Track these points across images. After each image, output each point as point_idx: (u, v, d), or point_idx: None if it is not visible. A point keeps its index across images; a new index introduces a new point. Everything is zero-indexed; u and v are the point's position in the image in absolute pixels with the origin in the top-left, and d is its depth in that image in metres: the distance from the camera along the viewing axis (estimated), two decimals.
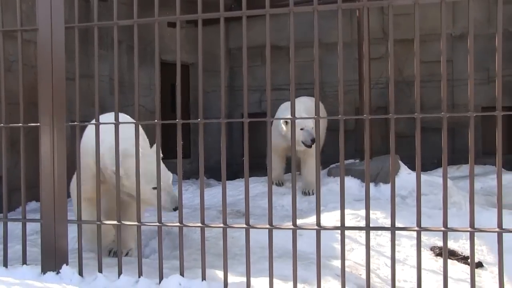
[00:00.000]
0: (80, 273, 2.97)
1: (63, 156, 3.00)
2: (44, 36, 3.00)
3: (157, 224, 2.90)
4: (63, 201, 3.00)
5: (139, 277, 2.87)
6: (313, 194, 5.94)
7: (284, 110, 6.55)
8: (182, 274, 2.84)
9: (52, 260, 3.00)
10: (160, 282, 2.83)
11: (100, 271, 2.95)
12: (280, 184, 6.66)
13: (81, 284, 2.86)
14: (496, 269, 3.98)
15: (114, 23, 2.97)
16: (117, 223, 2.95)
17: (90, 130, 3.36)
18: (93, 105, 3.08)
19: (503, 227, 2.55)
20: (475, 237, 2.59)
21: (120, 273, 2.91)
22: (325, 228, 2.87)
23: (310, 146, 5.81)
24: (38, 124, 3.00)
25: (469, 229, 2.55)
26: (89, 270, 3.03)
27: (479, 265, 3.98)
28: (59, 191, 2.98)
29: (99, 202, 3.02)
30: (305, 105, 6.55)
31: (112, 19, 2.99)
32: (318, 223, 2.73)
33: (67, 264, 3.00)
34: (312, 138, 5.67)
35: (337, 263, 3.62)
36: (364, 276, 3.35)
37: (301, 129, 5.90)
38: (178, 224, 2.88)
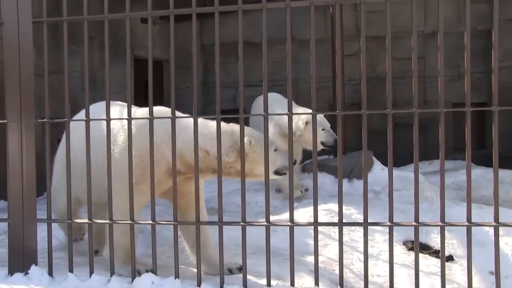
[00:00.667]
0: (50, 273, 2.91)
1: (32, 154, 2.93)
2: (10, 31, 2.92)
3: (129, 222, 2.85)
4: (32, 199, 2.93)
5: (111, 276, 2.82)
6: (307, 190, 5.91)
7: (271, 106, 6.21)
8: (155, 272, 2.81)
9: (20, 260, 2.92)
10: (132, 281, 2.79)
11: (70, 270, 2.89)
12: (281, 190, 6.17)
13: (50, 285, 2.80)
14: (465, 262, 4.06)
15: (84, 18, 2.91)
16: (88, 221, 2.89)
17: (160, 123, 3.02)
18: (64, 101, 3.02)
19: (472, 221, 2.58)
20: (446, 231, 2.62)
21: (91, 272, 2.86)
22: (298, 224, 2.87)
23: (330, 148, 5.74)
24: (5, 121, 2.92)
25: (439, 223, 2.58)
26: (59, 270, 2.96)
27: (450, 258, 4.05)
28: (27, 189, 2.91)
29: (176, 199, 2.84)
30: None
31: (81, 14, 2.93)
32: (292, 219, 2.73)
33: (36, 265, 2.93)
34: (335, 139, 5.56)
35: (311, 259, 3.63)
36: (337, 271, 3.36)
37: (322, 129, 5.68)
38: (150, 222, 2.85)
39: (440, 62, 2.57)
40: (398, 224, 2.69)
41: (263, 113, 2.77)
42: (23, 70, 2.91)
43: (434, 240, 4.41)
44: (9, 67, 2.92)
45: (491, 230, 4.47)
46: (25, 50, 2.91)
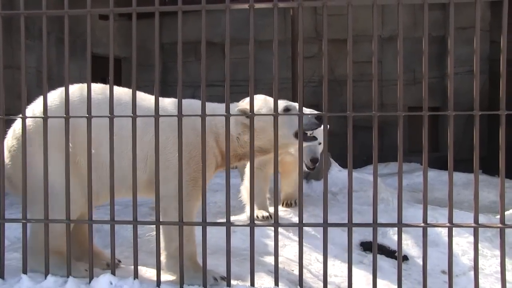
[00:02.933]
0: (1, 276, 2.82)
1: None
2: None
3: (88, 221, 2.81)
4: None
5: (67, 277, 2.77)
6: (295, 204, 5.36)
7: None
8: (113, 272, 2.77)
9: None
10: (90, 282, 2.74)
11: (24, 272, 2.81)
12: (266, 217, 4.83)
13: (1, 287, 2.72)
14: (419, 262, 4.19)
15: (43, 13, 2.84)
16: (45, 220, 2.82)
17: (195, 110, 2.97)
18: (18, 97, 2.94)
19: (428, 222, 2.68)
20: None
21: (46, 273, 2.79)
22: (259, 225, 2.90)
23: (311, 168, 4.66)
24: None
25: (397, 224, 2.66)
26: (12, 272, 2.88)
27: (405, 258, 4.18)
28: None
29: (203, 191, 2.76)
30: None
31: (38, 8, 2.86)
32: (252, 219, 2.75)
33: None
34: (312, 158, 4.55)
35: (269, 259, 3.67)
36: (296, 271, 3.41)
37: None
38: (109, 221, 2.81)
39: (400, 66, 2.65)
40: (357, 225, 2.76)
41: (225, 114, 2.77)
42: None
43: (389, 241, 4.53)
44: None
45: (444, 231, 4.64)
46: None
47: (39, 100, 3.01)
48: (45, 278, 2.76)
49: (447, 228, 2.67)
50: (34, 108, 3.03)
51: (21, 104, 2.90)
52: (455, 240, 4.31)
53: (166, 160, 2.94)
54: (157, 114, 2.79)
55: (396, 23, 2.68)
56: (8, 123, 3.05)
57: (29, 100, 3.04)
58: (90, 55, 2.88)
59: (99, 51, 8.23)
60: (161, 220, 2.87)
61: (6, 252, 2.91)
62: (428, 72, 2.67)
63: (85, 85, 2.91)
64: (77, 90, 3.03)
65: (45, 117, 2.81)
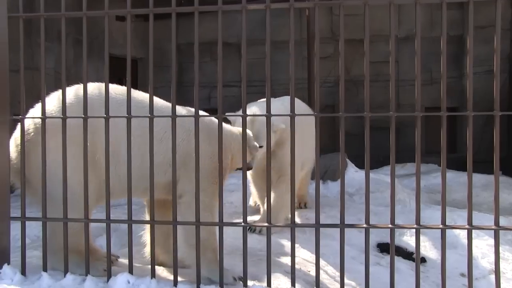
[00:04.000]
0: (23, 273, 2.86)
1: (5, 151, 2.87)
2: None
3: (106, 220, 2.84)
4: (4, 197, 2.88)
5: (86, 275, 2.80)
6: (305, 207, 5.43)
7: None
8: (131, 272, 2.80)
9: None
10: (108, 281, 2.77)
11: (44, 270, 2.85)
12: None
13: (23, 284, 2.75)
14: (437, 264, 4.15)
15: (62, 15, 2.88)
16: (64, 219, 2.86)
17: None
18: (37, 98, 2.98)
19: (446, 224, 2.66)
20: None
21: (66, 271, 2.83)
22: (276, 226, 2.90)
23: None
24: None
25: (415, 226, 2.64)
26: (33, 269, 2.92)
27: (422, 260, 4.14)
28: (0, 186, 2.86)
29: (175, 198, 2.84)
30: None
31: (57, 10, 2.90)
32: (269, 220, 2.75)
33: (8, 264, 2.88)
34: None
35: (285, 260, 3.67)
36: (312, 272, 3.40)
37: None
38: (126, 220, 2.83)
39: (418, 67, 2.63)
40: (374, 226, 2.74)
41: (241, 114, 2.78)
42: None
43: (406, 242, 4.49)
44: None
45: (462, 233, 4.59)
46: (0, 45, 2.86)
47: (49, 100, 3.03)
48: (64, 276, 2.80)
49: (466, 230, 2.64)
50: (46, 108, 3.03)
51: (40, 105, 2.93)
52: (474, 242, 4.27)
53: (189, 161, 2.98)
54: (174, 114, 2.80)
55: (413, 22, 2.66)
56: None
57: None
58: (108, 55, 2.90)
59: (115, 52, 8.29)
60: (183, 212, 2.92)
61: (26, 250, 2.95)
62: (446, 72, 2.65)
63: (103, 84, 2.94)
64: (96, 89, 3.07)
65: (64, 117, 2.84)
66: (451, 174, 7.66)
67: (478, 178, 7.58)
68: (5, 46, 2.88)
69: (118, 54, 8.06)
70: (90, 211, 2.94)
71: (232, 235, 4.11)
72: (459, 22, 10.20)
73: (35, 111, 3.05)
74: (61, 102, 2.89)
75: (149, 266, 2.85)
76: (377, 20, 8.78)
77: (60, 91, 3.00)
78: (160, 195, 3.10)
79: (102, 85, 2.99)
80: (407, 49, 10.20)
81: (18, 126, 3.01)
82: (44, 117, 2.88)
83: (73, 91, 3.06)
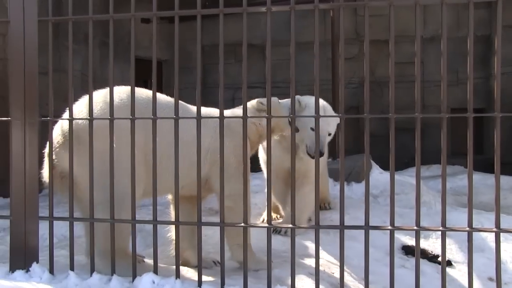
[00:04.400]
0: (51, 271, 2.92)
1: (35, 152, 2.93)
2: (16, 29, 2.93)
3: (131, 221, 2.87)
4: (34, 197, 2.94)
5: (111, 275, 2.83)
6: (329, 207, 5.39)
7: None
8: (155, 272, 2.82)
9: (22, 258, 2.93)
10: (133, 281, 2.80)
11: (71, 269, 2.90)
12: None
13: (51, 282, 2.81)
14: (464, 267, 4.09)
15: (89, 18, 2.93)
16: (89, 219, 2.90)
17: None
18: (65, 100, 3.03)
19: (473, 227, 2.61)
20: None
21: (92, 271, 2.87)
22: (300, 227, 2.89)
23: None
24: (9, 118, 2.93)
25: (441, 228, 2.60)
26: (60, 268, 2.97)
27: (449, 263, 4.08)
28: (30, 187, 2.92)
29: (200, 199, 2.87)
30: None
31: (84, 13, 2.95)
32: (293, 221, 2.75)
33: (37, 262, 2.94)
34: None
35: (310, 261, 3.66)
36: (336, 274, 3.39)
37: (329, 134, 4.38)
38: (151, 221, 2.86)
39: (443, 67, 2.59)
40: (399, 228, 2.71)
41: (267, 116, 2.78)
42: (27, 68, 2.92)
43: (432, 245, 4.44)
44: (14, 65, 2.93)
45: (489, 236, 4.51)
46: (30, 48, 2.92)
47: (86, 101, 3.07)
48: (91, 276, 2.84)
49: (494, 233, 2.59)
50: (83, 110, 3.08)
51: (66, 106, 2.98)
52: (502, 246, 4.17)
53: (225, 163, 3.01)
54: (199, 116, 2.82)
55: (439, 22, 2.63)
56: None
57: (75, 102, 3.13)
58: (134, 57, 2.93)
59: (140, 53, 8.38)
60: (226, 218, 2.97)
61: (54, 249, 3.00)
62: (473, 72, 2.61)
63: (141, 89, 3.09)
64: (144, 93, 3.20)
65: (91, 118, 2.89)
66: (478, 176, 7.53)
67: (506, 180, 7.43)
68: (35, 49, 2.94)
69: (144, 56, 8.15)
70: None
71: (257, 236, 4.12)
72: (487, 22, 10.03)
73: (77, 111, 3.08)
74: (105, 104, 2.96)
75: (174, 267, 2.88)
76: (402, 21, 8.70)
77: (103, 92, 3.11)
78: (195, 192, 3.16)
79: (145, 90, 3.20)
80: (433, 49, 10.07)
81: (56, 127, 3.08)
82: (72, 118, 2.93)
83: (119, 93, 3.11)
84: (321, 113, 4.01)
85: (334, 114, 4.18)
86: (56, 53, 7.19)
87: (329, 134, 4.36)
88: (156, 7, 2.87)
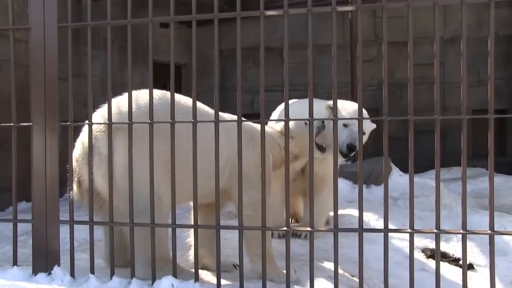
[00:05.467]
0: (72, 274, 2.95)
1: (56, 156, 2.98)
2: (36, 35, 2.98)
3: (150, 225, 2.89)
4: (55, 201, 2.98)
5: (131, 278, 2.86)
6: (304, 238, 4.46)
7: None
8: (174, 275, 2.84)
9: (44, 261, 2.98)
10: (152, 284, 2.82)
11: (92, 272, 2.93)
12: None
13: (72, 285, 2.84)
14: (486, 271, 4.03)
15: (107, 23, 2.96)
16: (110, 223, 2.93)
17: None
18: (85, 105, 3.08)
19: (495, 230, 2.57)
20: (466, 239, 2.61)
21: (112, 274, 2.90)
22: (318, 230, 2.89)
23: (346, 156, 4.04)
24: (30, 123, 2.99)
25: (461, 231, 2.57)
26: (81, 271, 3.01)
27: (470, 267, 4.03)
28: (51, 191, 2.96)
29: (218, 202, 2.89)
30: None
31: (103, 19, 2.99)
32: (311, 224, 2.74)
33: (58, 265, 2.98)
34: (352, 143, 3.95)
35: (329, 265, 3.64)
36: (356, 278, 3.37)
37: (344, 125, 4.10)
38: (170, 225, 2.88)
39: (463, 68, 2.57)
40: (419, 231, 2.69)
41: (284, 119, 2.78)
42: (48, 74, 2.97)
43: (453, 248, 4.39)
44: (35, 71, 2.98)
45: None
46: (50, 54, 2.97)
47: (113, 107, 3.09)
48: (111, 279, 2.87)
49: None
50: (105, 115, 3.09)
51: (86, 111, 3.02)
52: None
53: (245, 171, 3.01)
54: (217, 120, 2.84)
55: (459, 23, 2.60)
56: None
57: (95, 107, 3.17)
58: (152, 62, 2.96)
59: (159, 58, 8.45)
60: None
61: (75, 252, 3.04)
62: (495, 73, 2.57)
63: (167, 92, 3.09)
64: (161, 96, 3.16)
65: (110, 123, 2.92)
66: (499, 179, 7.42)
67: None
68: (55, 54, 2.99)
69: (162, 60, 8.19)
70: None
71: (275, 240, 4.12)
72: (509, 21, 9.89)
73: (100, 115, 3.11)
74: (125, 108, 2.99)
75: (193, 270, 2.89)
76: (421, 22, 8.63)
77: (123, 97, 3.13)
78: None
79: (166, 93, 3.16)
80: (453, 50, 9.97)
81: (77, 144, 3.12)
82: (91, 123, 2.97)
83: (144, 98, 3.12)
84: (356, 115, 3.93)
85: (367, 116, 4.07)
86: (75, 59, 7.29)
87: (364, 134, 4.23)
88: (174, 11, 2.89)
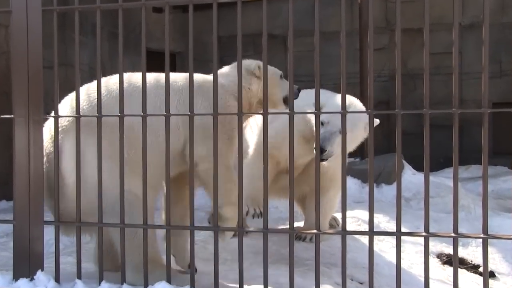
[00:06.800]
0: (57, 280, 2.95)
1: (40, 151, 2.97)
2: (18, 20, 2.96)
3: (142, 226, 2.89)
4: (39, 200, 2.97)
5: (122, 284, 2.86)
6: (310, 241, 4.37)
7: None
8: (169, 281, 2.84)
9: (26, 265, 2.97)
10: None
11: (79, 277, 2.93)
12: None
13: None
14: (509, 280, 4.03)
15: (97, 7, 2.95)
16: (99, 224, 2.93)
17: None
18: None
19: None
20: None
21: (101, 279, 2.89)
22: (325, 233, 2.88)
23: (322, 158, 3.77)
24: (12, 116, 2.97)
25: (482, 235, 2.55)
26: (67, 276, 3.00)
27: (491, 274, 4.03)
28: (34, 189, 2.95)
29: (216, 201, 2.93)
30: None
31: (91, 2, 2.97)
32: (317, 226, 2.73)
33: (42, 270, 2.97)
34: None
35: (336, 270, 3.64)
36: (365, 285, 3.37)
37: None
38: (165, 226, 2.88)
39: (485, 58, 2.55)
40: (434, 235, 2.68)
41: (289, 111, 2.77)
42: (31, 61, 2.95)
43: (471, 254, 4.39)
44: (17, 59, 2.96)
45: None
46: (34, 40, 2.95)
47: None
48: (99, 284, 2.87)
49: None
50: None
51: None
52: None
53: (200, 122, 3.07)
54: (215, 112, 2.83)
55: (480, 7, 2.59)
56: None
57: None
58: (145, 49, 2.94)
59: (152, 45, 8.44)
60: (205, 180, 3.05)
61: (60, 256, 3.04)
62: None
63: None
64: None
65: (99, 116, 2.91)
66: None
67: None
68: (39, 41, 2.97)
69: (156, 48, 8.20)
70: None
71: (278, 243, 4.12)
72: None
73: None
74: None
75: (188, 275, 2.89)
76: (438, 7, 8.61)
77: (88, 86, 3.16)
78: (178, 166, 3.22)
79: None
80: (473, 38, 9.94)
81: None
82: (79, 115, 2.96)
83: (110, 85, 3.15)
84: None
85: (360, 111, 4.00)
86: (61, 46, 7.28)
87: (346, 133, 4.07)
88: None
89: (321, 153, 3.68)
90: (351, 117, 3.70)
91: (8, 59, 3.02)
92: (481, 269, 2.87)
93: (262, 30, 2.76)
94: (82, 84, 3.10)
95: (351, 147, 4.00)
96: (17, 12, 2.97)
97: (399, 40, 2.68)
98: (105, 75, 3.20)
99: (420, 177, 6.24)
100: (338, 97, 3.67)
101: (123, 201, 2.89)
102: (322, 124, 3.83)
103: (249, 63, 3.58)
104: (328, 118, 3.84)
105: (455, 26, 2.63)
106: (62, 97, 3.10)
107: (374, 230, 2.69)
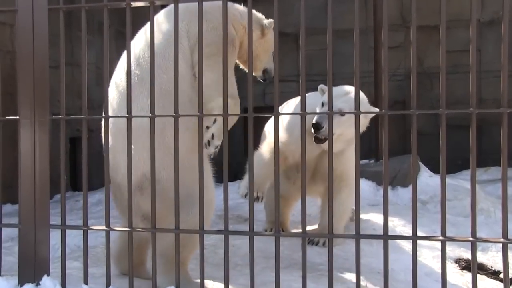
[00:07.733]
0: (63, 285, 2.96)
1: (46, 153, 2.98)
2: (24, 19, 2.97)
3: (151, 230, 2.89)
4: (45, 203, 2.98)
5: None
6: (323, 245, 4.30)
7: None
8: (177, 286, 2.84)
9: (31, 270, 2.98)
10: None
11: (85, 282, 2.93)
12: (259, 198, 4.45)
13: None
14: None
15: (104, 5, 2.96)
16: (106, 228, 2.94)
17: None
18: (78, 96, 3.08)
19: None
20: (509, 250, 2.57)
21: (108, 285, 2.90)
22: (338, 236, 2.87)
23: (318, 139, 4.04)
24: (17, 117, 2.99)
25: (501, 239, 2.53)
26: (73, 281, 3.02)
27: None
28: (40, 192, 2.96)
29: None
30: None
31: (98, 0, 2.98)
32: (331, 230, 2.72)
33: (48, 275, 2.97)
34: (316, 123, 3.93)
35: (349, 275, 3.63)
36: None
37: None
38: (173, 229, 2.88)
39: (504, 55, 2.53)
40: (452, 239, 2.66)
41: (300, 112, 2.77)
42: (37, 61, 2.96)
43: (491, 259, 4.36)
44: (22, 58, 2.97)
45: None
46: (40, 40, 2.96)
47: None
48: None
49: None
50: None
51: (81, 103, 3.03)
52: None
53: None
54: (225, 113, 2.83)
55: (499, 3, 2.57)
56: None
57: (89, 99, 3.17)
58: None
59: None
60: None
61: (66, 260, 3.05)
62: None
63: None
64: None
65: (106, 116, 2.93)
66: None
67: None
68: (45, 40, 2.98)
69: None
70: None
71: (290, 247, 4.11)
72: None
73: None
74: None
75: (198, 280, 2.89)
76: (455, 3, 8.54)
77: None
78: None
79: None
80: (492, 35, 9.88)
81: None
82: (86, 116, 2.97)
83: None
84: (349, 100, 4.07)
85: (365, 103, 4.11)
86: (68, 45, 7.32)
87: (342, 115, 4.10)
88: None
89: (318, 129, 3.88)
90: (351, 100, 3.77)
91: (13, 59, 3.04)
92: (501, 275, 2.84)
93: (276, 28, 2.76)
94: (89, 84, 3.11)
95: (350, 131, 3.93)
96: (22, 11, 2.99)
97: (415, 37, 2.67)
98: (112, 75, 3.21)
99: (437, 179, 6.21)
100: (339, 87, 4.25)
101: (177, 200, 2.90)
102: (323, 105, 4.16)
103: (264, 18, 3.75)
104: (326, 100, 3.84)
105: (473, 22, 2.62)
106: (68, 97, 3.11)
107: (389, 234, 2.68)
